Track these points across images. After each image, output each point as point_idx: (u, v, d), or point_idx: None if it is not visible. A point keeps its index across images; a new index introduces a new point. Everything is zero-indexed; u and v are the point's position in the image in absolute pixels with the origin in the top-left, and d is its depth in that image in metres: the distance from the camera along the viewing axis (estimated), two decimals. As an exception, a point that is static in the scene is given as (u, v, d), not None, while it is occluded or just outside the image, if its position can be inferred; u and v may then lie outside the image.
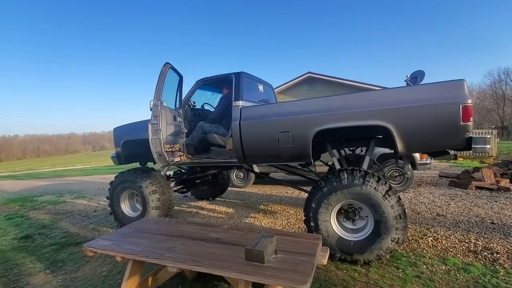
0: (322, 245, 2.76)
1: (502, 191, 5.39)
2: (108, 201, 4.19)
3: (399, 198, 2.58)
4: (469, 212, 4.17)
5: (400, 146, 2.65)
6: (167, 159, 3.15)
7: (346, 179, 2.69)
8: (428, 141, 2.64)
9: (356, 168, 2.77)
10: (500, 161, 6.77)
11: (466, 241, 3.13)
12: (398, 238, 2.54)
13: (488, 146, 2.48)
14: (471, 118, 2.48)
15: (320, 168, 5.51)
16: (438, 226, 3.67)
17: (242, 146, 3.34)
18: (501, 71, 37.90)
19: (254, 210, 4.94)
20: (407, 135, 2.63)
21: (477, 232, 3.36)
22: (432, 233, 3.42)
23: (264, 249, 1.58)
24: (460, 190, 5.66)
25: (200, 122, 4.02)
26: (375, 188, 2.58)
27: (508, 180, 5.80)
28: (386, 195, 2.55)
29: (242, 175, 7.19)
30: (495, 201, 4.75)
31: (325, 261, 2.08)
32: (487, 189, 5.55)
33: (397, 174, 5.63)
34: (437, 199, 5.06)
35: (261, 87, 4.20)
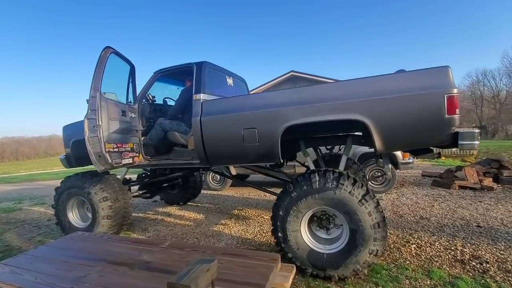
0: (289, 262, 2.39)
1: (485, 190, 5.20)
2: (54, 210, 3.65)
3: (378, 204, 2.23)
4: (454, 214, 3.91)
5: (378, 143, 2.30)
6: (110, 161, 2.67)
7: (317, 182, 2.32)
8: (409, 137, 2.31)
9: (329, 169, 2.40)
10: (482, 160, 6.63)
11: (452, 248, 2.82)
12: (377, 250, 2.18)
13: (476, 142, 2.17)
14: (457, 111, 2.16)
15: (302, 169, 5.15)
16: (421, 230, 3.36)
17: (204, 145, 2.91)
18: (479, 72, 39.16)
19: (227, 216, 4.52)
20: (386, 131, 2.28)
21: (463, 238, 3.07)
22: (415, 239, 3.11)
23: (193, 283, 1.16)
24: (444, 190, 5.44)
25: (159, 119, 3.55)
26: (350, 192, 2.22)
27: (491, 179, 5.63)
28: (363, 200, 2.19)
29: (218, 177, 6.73)
30: (479, 201, 4.53)
31: (288, 284, 1.68)
32: (470, 188, 5.35)
33: (379, 174, 5.35)
34: (420, 200, 4.80)
35: (230, 80, 3.78)
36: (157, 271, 1.42)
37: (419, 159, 10.36)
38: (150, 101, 3.85)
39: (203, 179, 5.76)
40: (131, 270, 1.47)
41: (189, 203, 5.49)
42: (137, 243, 1.89)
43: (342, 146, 3.42)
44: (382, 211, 2.22)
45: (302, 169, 4.60)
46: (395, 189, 5.68)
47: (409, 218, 3.86)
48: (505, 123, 35.09)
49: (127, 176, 4.22)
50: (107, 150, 2.64)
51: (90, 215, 3.53)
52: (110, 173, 3.67)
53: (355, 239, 2.20)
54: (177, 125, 3.42)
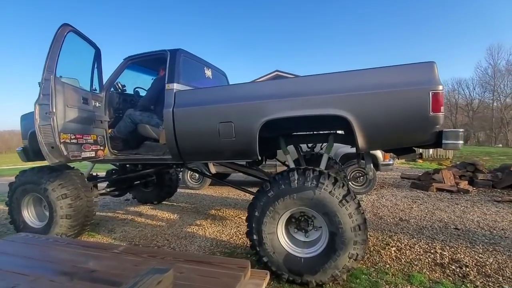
0: (264, 267, 2.21)
1: (461, 193, 5.28)
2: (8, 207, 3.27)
3: (359, 205, 2.09)
4: (432, 217, 3.89)
5: (361, 141, 2.17)
6: (65, 154, 2.37)
7: (296, 181, 2.15)
8: (392, 135, 2.19)
9: (309, 167, 2.24)
10: (458, 163, 6.79)
11: (432, 251, 2.75)
12: (357, 254, 2.04)
13: (460, 142, 2.08)
14: (442, 108, 2.06)
15: (283, 168, 5.00)
16: (401, 233, 3.29)
17: (176, 139, 2.68)
18: (454, 81, 41.02)
19: (203, 216, 4.28)
20: (369, 128, 2.16)
21: (442, 240, 3.02)
22: (395, 241, 3.02)
23: (138, 299, 0.94)
24: (422, 192, 5.48)
25: (129, 110, 3.26)
26: (330, 192, 2.06)
27: (466, 182, 5.75)
28: (344, 201, 2.04)
29: (197, 175, 6.46)
30: (456, 203, 4.56)
31: (259, 294, 1.50)
32: (447, 191, 5.42)
33: (360, 175, 5.30)
34: (400, 202, 4.78)
35: (209, 72, 3.56)
36: (101, 283, 1.19)
37: (398, 162, 10.55)
38: (120, 90, 3.54)
39: (180, 177, 5.47)
40: (70, 281, 1.22)
41: (164, 202, 5.19)
42: (86, 248, 1.63)
43: (324, 144, 3.29)
44: (363, 213, 2.09)
45: (283, 168, 4.45)
46: (375, 191, 5.67)
47: (388, 220, 3.79)
48: (476, 130, 37.01)
49: (94, 172, 3.89)
50: (62, 140, 2.33)
51: (48, 213, 3.18)
52: (73, 168, 3.34)
53: (334, 243, 2.05)
54: (148, 117, 3.15)
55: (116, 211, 4.69)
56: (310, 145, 3.61)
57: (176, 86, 2.74)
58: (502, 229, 3.32)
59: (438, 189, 5.52)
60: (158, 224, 3.92)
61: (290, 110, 2.27)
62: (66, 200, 2.98)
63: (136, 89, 3.75)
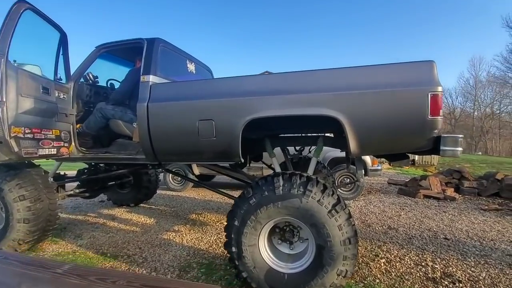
0: (243, 283, 1.98)
1: (448, 200, 5.23)
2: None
3: (350, 216, 1.89)
4: (421, 225, 3.77)
5: (353, 145, 1.98)
6: (17, 150, 2.06)
7: (281, 188, 1.93)
8: (387, 139, 2.02)
9: (296, 172, 2.03)
10: (444, 170, 6.79)
11: (423, 263, 2.60)
12: (346, 271, 1.84)
13: (459, 148, 1.92)
14: (441, 112, 1.91)
15: (269, 172, 4.78)
16: (390, 242, 3.14)
17: (150, 137, 2.41)
18: (438, 89, 42.20)
19: (182, 221, 3.99)
20: (362, 131, 1.97)
21: (433, 251, 2.88)
22: (384, 252, 2.86)
23: None
24: (409, 199, 5.40)
25: (99, 104, 2.96)
26: (319, 201, 1.85)
27: (452, 189, 5.72)
28: (333, 211, 1.84)
29: (179, 177, 6.15)
30: (443, 211, 4.48)
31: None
32: (434, 198, 5.36)
33: (349, 180, 5.16)
34: (388, 208, 4.66)
35: (191, 66, 3.30)
36: (23, 320, 0.92)
37: (384, 166, 10.57)
38: (91, 81, 3.22)
39: (160, 178, 5.16)
40: (-16, 316, 0.94)
41: (141, 205, 4.86)
42: (25, 265, 1.34)
43: (312, 147, 3.09)
44: (354, 224, 1.89)
45: (270, 172, 4.24)
46: (363, 196, 5.54)
47: (377, 228, 3.64)
48: (458, 137, 37.99)
49: (63, 171, 3.55)
50: (13, 135, 2.02)
51: (4, 215, 2.82)
52: (37, 165, 2.99)
53: (322, 257, 1.84)
54: (121, 112, 2.86)
55: (88, 214, 4.33)
56: (298, 148, 3.41)
57: (152, 79, 2.48)
58: (491, 240, 3.22)
59: (425, 196, 5.45)
60: (132, 229, 3.61)
61: (277, 108, 2.06)
62: (24, 202, 2.64)
63: (110, 81, 3.43)
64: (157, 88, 2.44)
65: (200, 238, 3.30)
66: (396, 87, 1.91)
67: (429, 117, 1.87)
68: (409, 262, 2.63)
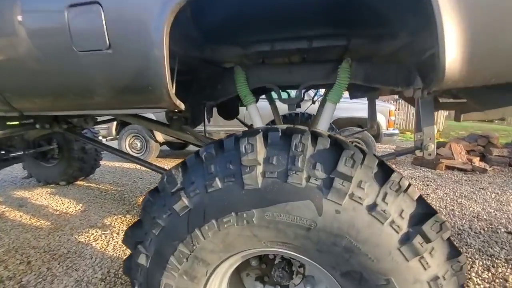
0: None
1: (477, 172, 4.18)
2: None
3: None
4: (462, 209, 2.69)
5: (454, 55, 0.68)
6: None
7: (260, 169, 0.65)
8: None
9: (299, 127, 0.75)
10: (467, 136, 5.69)
11: (497, 280, 1.49)
12: None
13: None
14: None
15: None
16: (433, 243, 2.02)
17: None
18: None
19: (123, 208, 2.76)
20: (482, 26, 0.67)
21: (506, 258, 1.79)
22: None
23: None
24: (429, 171, 4.32)
25: None
26: (371, 208, 0.60)
27: (478, 158, 4.67)
28: (415, 243, 0.60)
29: (138, 144, 4.82)
30: (480, 188, 3.42)
31: None
32: (460, 169, 4.30)
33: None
34: (407, 184, 3.56)
35: None
36: None
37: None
38: None
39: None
40: None
41: (79, 182, 3.58)
42: None
43: (319, 92, 1.76)
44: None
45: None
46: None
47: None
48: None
49: None
50: None
51: None
52: None
53: None
54: None
55: (-10, 198, 3.02)
56: (294, 93, 2.10)
57: None
58: None
59: (448, 167, 4.38)
60: (37, 224, 2.36)
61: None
62: None
63: None
64: None
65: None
66: None
67: None
68: (486, 277, 1.52)
